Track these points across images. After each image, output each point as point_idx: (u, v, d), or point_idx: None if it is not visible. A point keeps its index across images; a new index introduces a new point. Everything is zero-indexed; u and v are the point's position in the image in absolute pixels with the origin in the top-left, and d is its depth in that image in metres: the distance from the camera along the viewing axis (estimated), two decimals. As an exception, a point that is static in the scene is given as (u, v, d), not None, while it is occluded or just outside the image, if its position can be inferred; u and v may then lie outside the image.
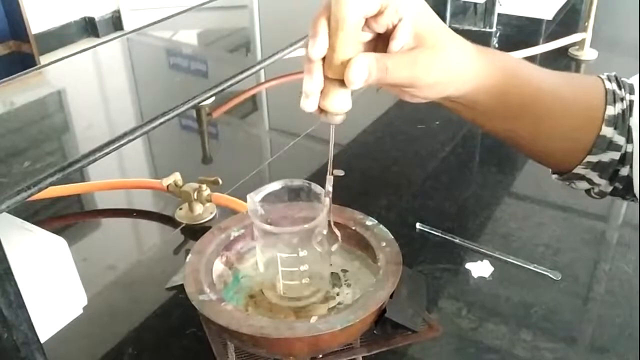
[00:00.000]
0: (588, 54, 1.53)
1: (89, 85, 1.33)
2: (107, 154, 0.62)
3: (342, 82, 0.46)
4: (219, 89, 0.76)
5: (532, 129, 0.55)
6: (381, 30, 0.47)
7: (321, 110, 0.48)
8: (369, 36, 0.48)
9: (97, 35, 3.84)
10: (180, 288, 0.57)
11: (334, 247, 0.61)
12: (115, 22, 3.93)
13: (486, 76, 0.51)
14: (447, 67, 0.49)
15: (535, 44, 1.56)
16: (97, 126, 0.97)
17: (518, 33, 1.69)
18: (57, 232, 0.66)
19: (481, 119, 0.55)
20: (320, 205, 0.57)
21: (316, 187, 0.59)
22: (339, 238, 0.59)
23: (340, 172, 0.54)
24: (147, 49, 1.51)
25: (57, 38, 3.61)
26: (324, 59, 0.46)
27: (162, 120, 0.69)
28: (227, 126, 1.36)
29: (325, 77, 0.46)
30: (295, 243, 0.57)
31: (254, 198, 0.58)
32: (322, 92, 0.47)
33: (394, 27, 0.47)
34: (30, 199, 0.93)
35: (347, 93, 0.47)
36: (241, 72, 0.78)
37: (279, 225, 0.59)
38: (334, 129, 0.51)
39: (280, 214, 0.60)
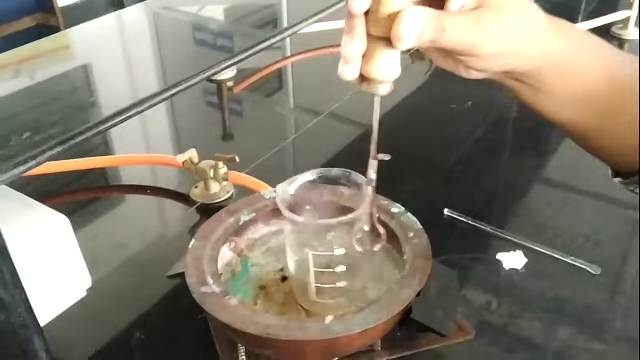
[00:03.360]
0: (633, 33, 1.44)
1: (111, 58, 1.29)
2: (112, 127, 0.57)
3: (389, 42, 0.37)
4: (237, 59, 0.71)
5: (602, 122, 0.48)
6: None
7: (363, 78, 0.40)
8: None
9: (123, 8, 3.82)
10: (182, 277, 0.52)
11: (377, 248, 0.53)
12: (142, -4, 3.90)
13: (558, 52, 0.44)
14: (515, 34, 0.41)
15: (575, 22, 1.47)
16: (107, 100, 0.93)
17: (557, 10, 1.59)
18: (68, 208, 0.62)
19: (545, 103, 0.47)
20: (362, 195, 0.49)
21: (357, 177, 0.52)
22: (384, 237, 0.52)
23: (386, 157, 0.46)
24: (173, 24, 1.47)
25: (84, 11, 3.59)
26: (367, 14, 0.38)
27: (173, 92, 0.64)
28: (249, 103, 1.31)
29: (369, 36, 0.38)
30: (331, 239, 0.51)
31: (287, 189, 0.52)
32: (364, 56, 0.39)
33: None
34: (44, 174, 0.90)
35: (396, 56, 0.39)
36: (260, 43, 0.73)
37: (311, 218, 0.53)
38: (379, 101, 0.42)
39: (314, 205, 0.54)
